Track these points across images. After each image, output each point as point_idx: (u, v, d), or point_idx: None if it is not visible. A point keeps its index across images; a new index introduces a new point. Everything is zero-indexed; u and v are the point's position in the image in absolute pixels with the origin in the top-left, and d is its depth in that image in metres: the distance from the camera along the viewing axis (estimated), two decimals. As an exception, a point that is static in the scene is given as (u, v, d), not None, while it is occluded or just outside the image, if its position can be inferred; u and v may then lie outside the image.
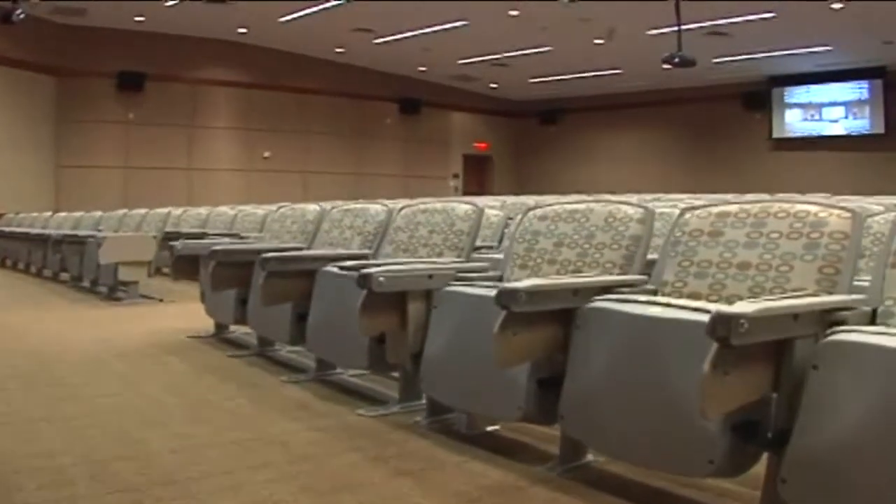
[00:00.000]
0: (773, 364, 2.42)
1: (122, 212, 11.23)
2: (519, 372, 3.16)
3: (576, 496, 2.99)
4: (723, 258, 3.02)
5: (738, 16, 16.93)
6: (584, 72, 23.19)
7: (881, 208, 5.88)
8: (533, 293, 2.85)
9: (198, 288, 6.60)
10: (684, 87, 22.70)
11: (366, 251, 4.91)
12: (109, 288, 9.09)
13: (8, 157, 18.60)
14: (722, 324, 2.16)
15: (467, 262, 4.20)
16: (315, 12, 18.19)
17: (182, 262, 6.25)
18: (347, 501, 2.97)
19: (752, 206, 3.08)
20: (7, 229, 13.50)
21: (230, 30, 20.51)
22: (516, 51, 21.20)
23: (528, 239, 3.80)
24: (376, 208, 5.18)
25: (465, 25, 18.80)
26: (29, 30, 17.14)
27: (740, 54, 20.02)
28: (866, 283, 2.87)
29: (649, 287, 3.19)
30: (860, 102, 21.43)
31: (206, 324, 6.47)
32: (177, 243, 6.42)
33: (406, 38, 20.21)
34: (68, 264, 10.40)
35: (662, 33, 16.79)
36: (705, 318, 2.43)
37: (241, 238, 8.59)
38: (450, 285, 3.62)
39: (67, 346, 6.10)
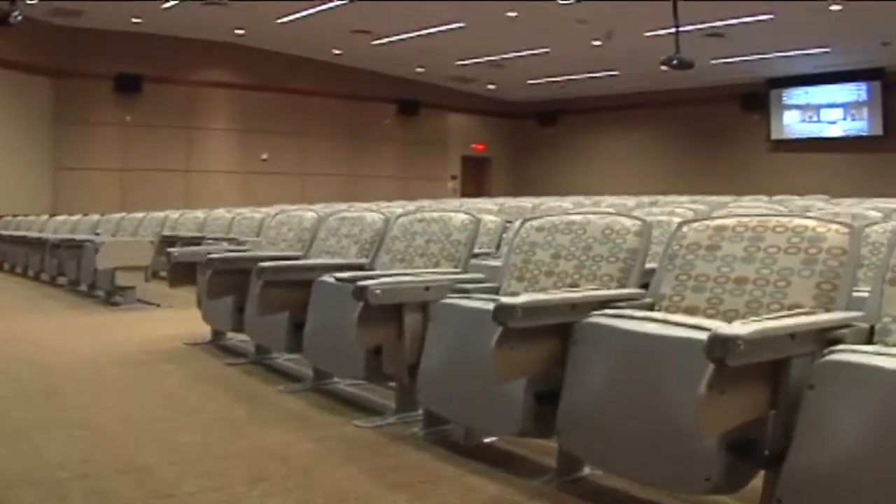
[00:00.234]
0: (770, 383, 2.42)
1: (119, 215, 11.22)
2: (516, 386, 3.15)
3: (573, 511, 2.99)
4: (720, 272, 3.01)
5: (736, 17, 16.91)
6: (582, 73, 23.18)
7: (879, 215, 5.89)
8: (529, 309, 2.85)
9: (195, 292, 6.58)
10: (682, 89, 22.68)
11: (362, 260, 4.90)
12: (107, 292, 9.07)
13: (5, 159, 18.57)
14: (718, 345, 2.16)
15: (464, 272, 4.18)
16: (313, 14, 18.17)
17: (179, 268, 6.24)
18: (344, 517, 2.98)
19: (749, 219, 3.07)
20: (5, 233, 13.48)
21: (228, 31, 20.49)
22: (514, 52, 21.19)
23: (525, 250, 3.79)
24: (373, 216, 5.17)
25: (462, 27, 18.78)
26: (26, 31, 17.10)
27: (738, 56, 20.01)
28: (865, 294, 2.86)
29: (647, 300, 3.18)
30: (858, 104, 21.42)
31: (204, 330, 6.45)
32: (173, 250, 6.42)
33: (404, 39, 20.19)
34: (65, 268, 10.38)
35: (660, 35, 16.77)
36: (702, 335, 2.44)
37: (238, 243, 8.59)
38: (447, 297, 3.60)
39: (64, 354, 6.09)
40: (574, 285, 3.50)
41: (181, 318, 7.39)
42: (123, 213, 11.26)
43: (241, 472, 3.44)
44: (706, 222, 3.20)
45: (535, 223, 3.85)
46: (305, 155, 23.37)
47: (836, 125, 21.89)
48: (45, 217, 14.34)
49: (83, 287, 9.97)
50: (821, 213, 6.04)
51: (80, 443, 3.84)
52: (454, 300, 3.53)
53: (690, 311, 3.01)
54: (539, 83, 24.84)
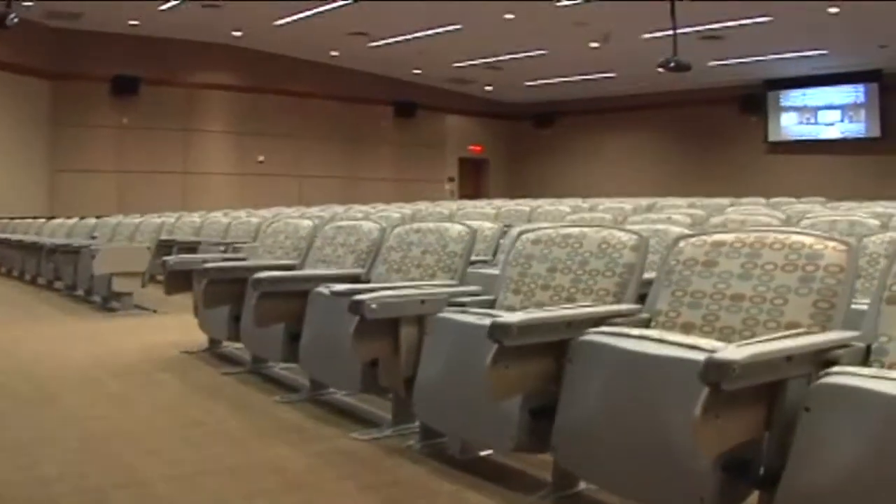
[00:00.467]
0: (766, 404, 2.41)
1: (115, 220, 11.19)
2: (512, 401, 3.14)
3: (569, 527, 2.98)
4: (717, 289, 3.00)
5: (733, 20, 16.92)
6: (579, 75, 23.18)
7: (876, 223, 5.88)
8: (525, 327, 2.84)
9: (191, 297, 6.55)
10: (680, 91, 22.70)
11: (359, 270, 4.88)
12: (103, 298, 9.05)
13: (1, 161, 18.58)
14: (714, 369, 2.15)
15: (460, 284, 4.17)
16: (310, 16, 18.16)
17: (175, 276, 6.23)
18: (339, 535, 2.96)
19: (747, 235, 3.06)
20: (2, 236, 13.45)
21: (225, 33, 20.50)
22: (511, 54, 21.19)
23: (521, 263, 3.78)
24: (369, 226, 5.15)
25: (459, 29, 18.78)
26: (23, 34, 17.08)
27: (736, 58, 20.02)
28: (863, 307, 2.85)
29: (643, 316, 3.17)
30: (856, 106, 21.46)
31: (200, 337, 6.42)
32: (169, 258, 6.40)
33: (401, 41, 20.19)
34: (62, 273, 10.36)
35: (658, 37, 16.78)
36: (697, 356, 2.45)
37: (235, 248, 8.58)
38: (443, 311, 3.59)
39: (61, 363, 6.06)
40: (570, 299, 3.49)
41: (177, 325, 7.37)
42: (120, 219, 11.23)
43: (238, 487, 3.43)
44: (703, 237, 3.19)
45: (532, 236, 3.84)
46: (302, 157, 23.37)
47: (833, 127, 21.92)
48: (42, 220, 14.29)
49: (80, 292, 9.95)
50: (818, 221, 6.06)
51: (78, 456, 3.84)
52: (450, 315, 3.51)
53: (686, 327, 3.01)
54: (536, 85, 24.84)
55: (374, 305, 3.61)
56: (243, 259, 6.43)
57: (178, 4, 17.54)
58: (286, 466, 3.69)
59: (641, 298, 3.41)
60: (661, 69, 15.22)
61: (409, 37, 19.77)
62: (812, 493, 2.25)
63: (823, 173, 21.11)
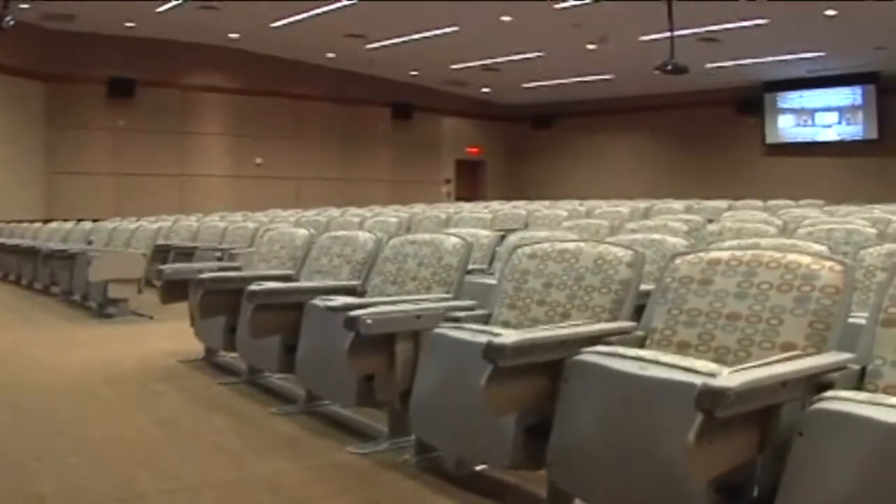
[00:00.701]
0: (759, 428, 2.41)
1: (112, 225, 11.18)
2: (507, 419, 3.14)
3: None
4: (712, 308, 2.99)
5: (730, 22, 16.93)
6: (576, 77, 23.17)
7: (873, 231, 5.88)
8: (520, 348, 2.83)
9: (187, 305, 6.53)
10: (677, 93, 22.71)
11: (354, 282, 4.87)
12: (100, 304, 9.03)
13: (-2, 163, 18.59)
14: (707, 397, 2.15)
15: (456, 298, 4.16)
16: (307, 18, 18.15)
17: (170, 285, 6.22)
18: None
19: (743, 253, 3.05)
20: (-2, 240, 13.44)
21: (221, 35, 20.48)
22: (509, 56, 21.18)
23: (516, 277, 3.77)
24: (365, 237, 5.14)
25: (457, 31, 18.77)
26: (19, 36, 17.06)
27: (733, 60, 20.02)
28: (859, 321, 2.84)
29: (638, 334, 3.16)
30: (853, 108, 21.48)
31: (196, 345, 6.41)
32: (165, 267, 6.40)
33: (398, 43, 20.17)
34: (58, 278, 10.35)
35: (655, 39, 16.78)
36: (692, 379, 2.46)
37: (231, 255, 8.56)
38: (438, 327, 3.58)
39: (57, 372, 6.05)
40: (566, 315, 3.48)
41: (174, 332, 7.33)
42: (116, 224, 11.21)
43: (234, 502, 3.43)
44: (700, 255, 3.18)
45: (528, 250, 3.83)
46: (299, 159, 23.35)
47: (830, 129, 21.95)
48: (38, 224, 14.27)
49: (76, 297, 9.93)
50: (815, 230, 6.06)
51: (75, 471, 3.82)
52: (445, 331, 3.50)
53: (682, 346, 3.00)
54: (533, 87, 24.83)
55: (369, 321, 3.60)
56: (239, 268, 6.41)
57: (175, 6, 17.51)
58: (282, 481, 3.68)
59: (640, 309, 3.41)
60: (658, 72, 15.25)
61: (406, 39, 19.76)
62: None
63: (821, 175, 21.12)
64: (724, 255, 3.10)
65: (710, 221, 11.25)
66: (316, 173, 23.51)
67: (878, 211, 9.78)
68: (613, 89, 24.28)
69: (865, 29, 16.73)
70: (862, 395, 2.30)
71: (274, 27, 19.16)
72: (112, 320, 8.65)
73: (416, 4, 16.61)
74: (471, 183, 27.93)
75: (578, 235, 5.95)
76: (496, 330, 3.38)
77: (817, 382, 2.44)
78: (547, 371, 3.01)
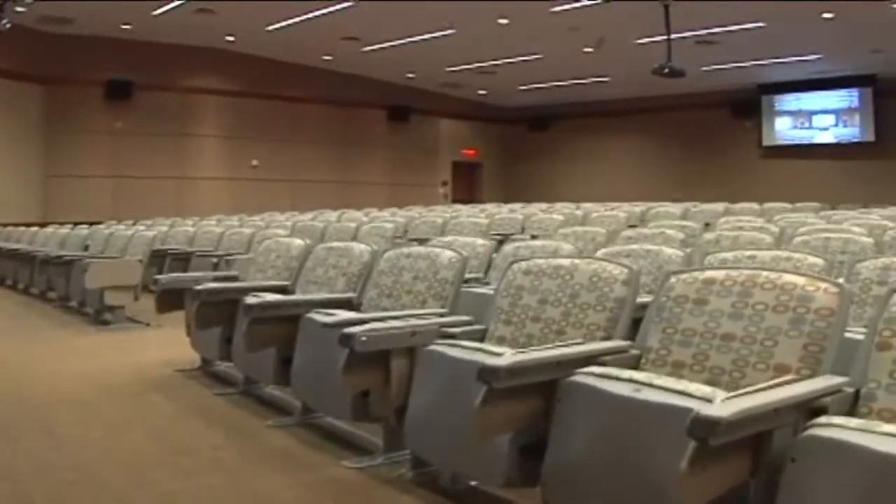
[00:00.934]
0: (752, 453, 2.43)
1: (108, 231, 11.16)
2: (502, 437, 3.14)
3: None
4: (707, 328, 2.99)
5: (727, 25, 16.93)
6: (573, 79, 23.17)
7: (870, 241, 5.88)
8: (514, 370, 2.83)
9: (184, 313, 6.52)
10: (674, 95, 22.70)
11: (350, 294, 4.87)
12: (96, 311, 9.02)
13: (-5, 166, 18.58)
14: (700, 426, 2.16)
15: (451, 312, 4.17)
16: (303, 21, 18.13)
17: (166, 295, 6.20)
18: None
19: (738, 273, 3.05)
20: (-4, 245, 13.42)
21: (218, 38, 20.45)
22: (505, 58, 21.18)
23: (512, 293, 3.77)
24: (360, 249, 5.14)
25: (453, 34, 18.76)
26: (16, 39, 17.04)
27: (730, 62, 20.02)
28: (855, 336, 2.84)
29: (634, 353, 3.17)
30: (850, 110, 21.47)
31: (193, 354, 6.39)
32: (161, 277, 6.39)
33: (394, 46, 20.16)
34: (55, 284, 10.35)
35: (651, 42, 16.78)
36: (685, 402, 2.47)
37: (228, 262, 8.57)
38: (433, 344, 3.57)
39: (54, 383, 6.04)
40: (561, 332, 3.48)
41: (170, 340, 7.32)
42: (112, 229, 11.19)
43: (228, 520, 3.44)
44: (695, 274, 3.18)
45: (523, 266, 3.83)
46: (296, 162, 23.32)
47: (827, 132, 21.94)
48: (35, 228, 14.26)
49: (73, 303, 9.92)
50: (812, 238, 6.06)
51: (71, 488, 3.82)
52: (440, 348, 3.50)
53: (677, 366, 3.00)
54: (530, 89, 24.83)
55: (364, 338, 3.60)
56: (235, 277, 6.41)
57: (172, 9, 17.48)
58: (278, 498, 3.70)
59: (636, 322, 3.41)
60: (655, 76, 15.25)
61: (402, 41, 19.75)
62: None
63: (818, 178, 21.13)
64: (720, 274, 3.10)
65: (707, 225, 11.33)
66: (312, 176, 23.48)
67: (875, 216, 9.79)
68: (610, 92, 24.27)
69: (862, 32, 16.73)
70: (854, 422, 2.30)
71: (270, 30, 19.13)
72: (108, 327, 8.65)
73: (412, 7, 16.59)
74: (468, 185, 27.92)
75: (574, 245, 5.96)
76: (491, 348, 3.39)
77: (811, 407, 2.45)
78: (541, 391, 3.01)
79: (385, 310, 4.49)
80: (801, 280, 2.88)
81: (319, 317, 4.30)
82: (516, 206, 17.85)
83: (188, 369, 6.35)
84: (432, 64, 22.08)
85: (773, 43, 18.17)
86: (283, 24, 18.54)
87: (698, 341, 2.99)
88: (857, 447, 2.16)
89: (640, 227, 12.38)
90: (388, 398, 3.84)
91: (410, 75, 23.99)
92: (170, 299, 6.24)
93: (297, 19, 18.09)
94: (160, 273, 10.13)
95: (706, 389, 2.59)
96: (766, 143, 22.99)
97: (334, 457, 4.23)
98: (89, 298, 9.02)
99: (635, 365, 3.13)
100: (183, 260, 10.24)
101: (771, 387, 2.47)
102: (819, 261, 4.47)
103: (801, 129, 22.39)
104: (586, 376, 2.88)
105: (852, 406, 2.55)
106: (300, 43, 20.31)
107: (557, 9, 16.28)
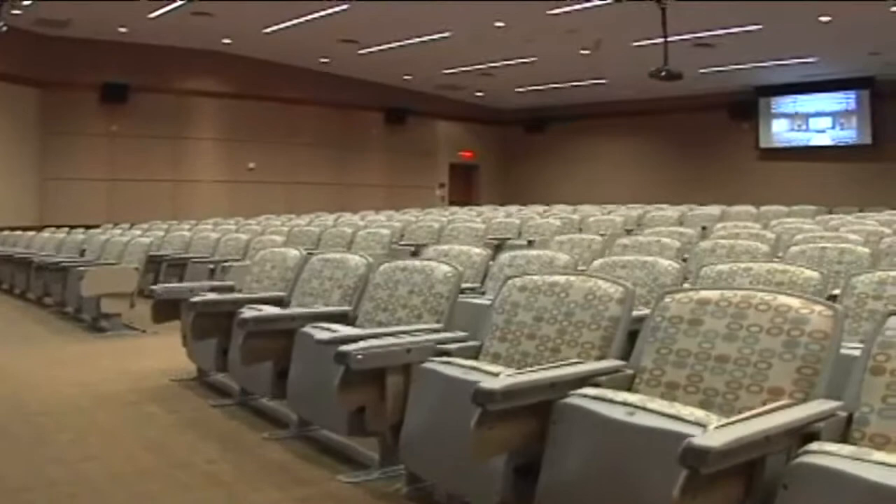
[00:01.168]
0: (744, 479, 2.43)
1: (104, 237, 11.16)
2: (497, 458, 3.14)
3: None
4: (701, 349, 3.00)
5: (724, 28, 16.93)
6: (570, 81, 23.16)
7: (866, 251, 5.89)
8: (509, 392, 2.83)
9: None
10: (671, 97, 22.66)
11: (346, 308, 4.88)
12: (93, 318, 9.02)
13: (-8, 169, 18.56)
14: (691, 455, 2.16)
15: (446, 328, 4.17)
16: (299, 23, 18.12)
17: (162, 305, 6.21)
18: None
19: (733, 294, 3.06)
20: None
21: (214, 40, 20.45)
22: (502, 61, 21.17)
23: (507, 310, 3.78)
24: (356, 261, 5.14)
25: (450, 36, 18.74)
26: (11, 42, 17.05)
27: (727, 65, 20.01)
28: (854, 353, 2.84)
29: (628, 373, 3.17)
30: (847, 113, 21.46)
31: (189, 363, 6.38)
32: (156, 287, 6.39)
33: (391, 48, 20.15)
34: (51, 290, 10.33)
35: (649, 44, 16.77)
36: (678, 428, 2.50)
37: (224, 268, 8.57)
38: (428, 362, 3.58)
39: (50, 392, 6.04)
40: (556, 350, 3.49)
41: (166, 347, 7.27)
42: (108, 236, 11.18)
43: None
44: (689, 294, 3.19)
45: (518, 282, 3.83)
46: (293, 164, 23.32)
47: (824, 134, 21.93)
48: (32, 233, 14.24)
49: (69, 309, 9.90)
50: (808, 248, 6.07)
51: (73, 502, 3.81)
52: (436, 366, 3.50)
53: (671, 386, 3.01)
54: (527, 91, 24.82)
55: (359, 356, 3.61)
56: (231, 287, 6.41)
57: (168, 12, 17.46)
58: (273, 514, 3.70)
59: (633, 334, 3.42)
60: (653, 79, 15.24)
61: (399, 44, 19.74)
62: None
63: (814, 180, 21.12)
64: (714, 295, 3.11)
65: (704, 229, 11.34)
66: (309, 178, 23.47)
67: (872, 222, 9.79)
68: (607, 94, 24.26)
69: (860, 34, 16.72)
70: (847, 450, 2.31)
71: (267, 32, 19.13)
72: (105, 334, 8.64)
73: (409, 10, 16.59)
74: (465, 187, 27.92)
75: (570, 254, 5.98)
76: (486, 367, 3.40)
77: (803, 433, 2.45)
78: (537, 412, 3.01)
79: (381, 323, 4.50)
80: (795, 302, 2.89)
81: (315, 332, 4.29)
82: (513, 209, 17.87)
83: (184, 379, 6.34)
84: (429, 66, 22.07)
85: (771, 45, 18.18)
86: (281, 26, 18.54)
87: (692, 362, 3.00)
88: (848, 476, 2.17)
89: (636, 231, 12.46)
90: (384, 414, 3.85)
91: (407, 77, 23.98)
92: (166, 309, 6.25)
93: (294, 22, 18.07)
94: (156, 279, 10.18)
95: (699, 414, 2.61)
96: (762, 145, 22.99)
97: (330, 471, 4.23)
98: (86, 305, 9.02)
99: (629, 384, 3.14)
100: (179, 266, 10.25)
101: (764, 413, 2.47)
102: (815, 275, 4.49)
103: (798, 131, 22.39)
104: (581, 398, 2.88)
105: (845, 430, 2.56)
106: (297, 45, 20.31)
107: (555, 11, 16.27)
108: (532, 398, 2.95)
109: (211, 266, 9.36)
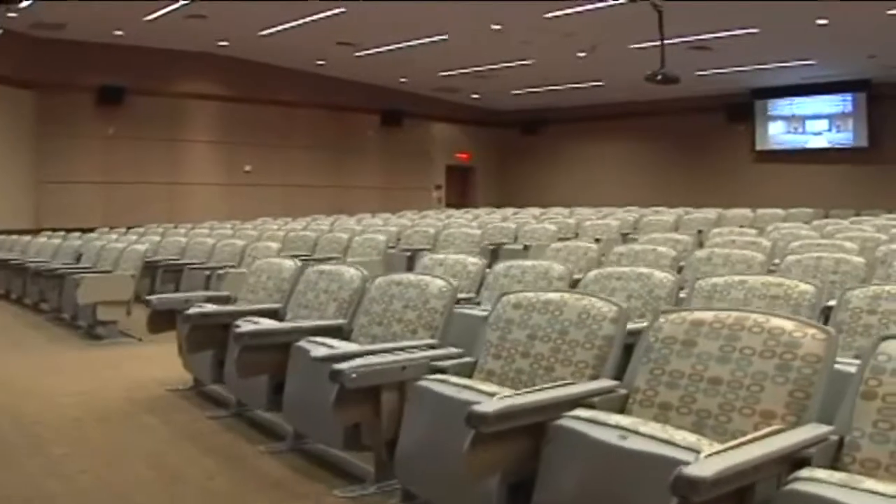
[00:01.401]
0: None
1: (101, 242, 11.15)
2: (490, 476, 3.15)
3: None
4: (695, 370, 3.01)
5: (721, 31, 16.93)
6: (566, 83, 23.17)
7: (862, 261, 5.91)
8: (503, 415, 2.84)
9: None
10: (667, 99, 22.66)
11: (341, 321, 4.88)
12: (89, 325, 9.02)
13: (-12, 172, 18.54)
14: (683, 485, 2.18)
15: (441, 344, 4.18)
16: (296, 26, 18.11)
17: (158, 316, 6.21)
18: None
19: (727, 315, 3.07)
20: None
21: (210, 43, 20.44)
22: (498, 63, 21.17)
23: (501, 327, 3.78)
24: (351, 273, 5.15)
25: (446, 39, 18.75)
26: (7, 44, 17.04)
27: (724, 67, 20.02)
28: (849, 369, 2.85)
29: (621, 393, 3.18)
30: (844, 115, 21.48)
31: (185, 372, 6.39)
32: (152, 298, 6.39)
33: (387, 51, 20.15)
34: (47, 296, 10.33)
35: (645, 47, 16.78)
36: (670, 453, 2.52)
37: (220, 275, 8.56)
38: (423, 380, 3.59)
39: (47, 402, 6.04)
40: (549, 369, 3.50)
41: (162, 356, 7.26)
42: (104, 242, 11.16)
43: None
44: (683, 314, 3.20)
45: (512, 299, 3.84)
46: (289, 166, 23.31)
47: (821, 136, 21.95)
48: (28, 238, 14.22)
49: (66, 315, 9.90)
50: (804, 257, 6.09)
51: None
52: (430, 384, 3.51)
53: (664, 407, 3.02)
54: (524, 93, 24.82)
55: (354, 375, 3.62)
56: (227, 297, 6.42)
57: (164, 14, 17.44)
58: (268, 531, 3.70)
59: (629, 348, 3.42)
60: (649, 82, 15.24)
61: (395, 46, 19.74)
62: None
63: (811, 182, 21.14)
64: (708, 316, 3.12)
65: (700, 233, 11.36)
66: (306, 180, 23.46)
67: (868, 228, 9.82)
68: (604, 96, 24.27)
69: (857, 37, 16.74)
70: (837, 477, 2.32)
71: (263, 35, 19.12)
72: (101, 342, 8.64)
73: (406, 12, 16.58)
74: (461, 189, 27.93)
75: (565, 263, 5.97)
76: (480, 385, 3.41)
77: (794, 458, 2.47)
78: (530, 432, 3.02)
79: (375, 337, 4.52)
80: (788, 325, 2.90)
81: (310, 348, 4.30)
82: (509, 212, 17.88)
83: (180, 389, 6.34)
84: (426, 68, 22.07)
85: (768, 48, 18.19)
86: (277, 28, 18.53)
87: (686, 383, 3.01)
88: (837, 504, 2.18)
89: (633, 234, 12.49)
90: (379, 431, 3.86)
91: (404, 80, 23.98)
92: (162, 320, 6.25)
93: (291, 24, 18.06)
94: (153, 284, 10.17)
95: (691, 439, 2.62)
96: (759, 147, 23.00)
97: (326, 485, 4.24)
98: (82, 313, 9.02)
99: (623, 405, 3.15)
100: (175, 272, 10.25)
101: (756, 439, 2.48)
102: (810, 288, 4.49)
103: (794, 133, 22.40)
104: (574, 420, 2.90)
105: (836, 454, 2.57)
106: (293, 48, 20.30)
107: (551, 14, 16.28)
108: (525, 420, 2.96)
109: (207, 273, 9.35)
